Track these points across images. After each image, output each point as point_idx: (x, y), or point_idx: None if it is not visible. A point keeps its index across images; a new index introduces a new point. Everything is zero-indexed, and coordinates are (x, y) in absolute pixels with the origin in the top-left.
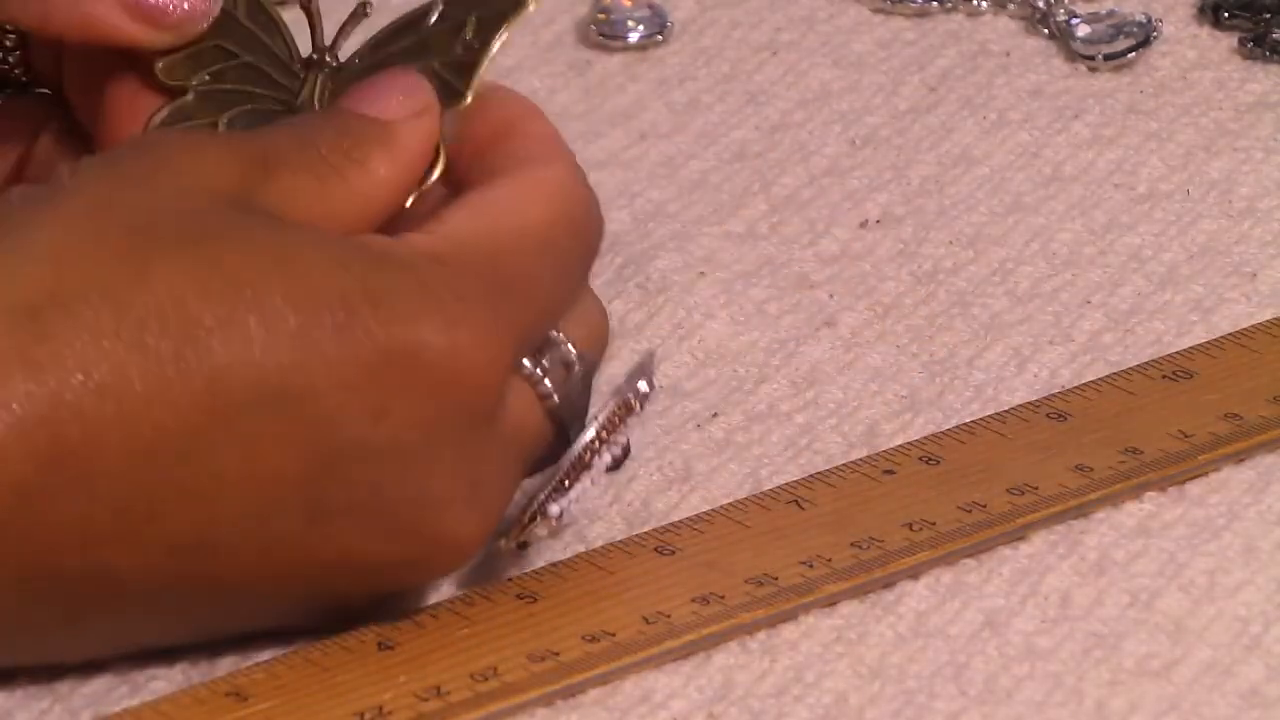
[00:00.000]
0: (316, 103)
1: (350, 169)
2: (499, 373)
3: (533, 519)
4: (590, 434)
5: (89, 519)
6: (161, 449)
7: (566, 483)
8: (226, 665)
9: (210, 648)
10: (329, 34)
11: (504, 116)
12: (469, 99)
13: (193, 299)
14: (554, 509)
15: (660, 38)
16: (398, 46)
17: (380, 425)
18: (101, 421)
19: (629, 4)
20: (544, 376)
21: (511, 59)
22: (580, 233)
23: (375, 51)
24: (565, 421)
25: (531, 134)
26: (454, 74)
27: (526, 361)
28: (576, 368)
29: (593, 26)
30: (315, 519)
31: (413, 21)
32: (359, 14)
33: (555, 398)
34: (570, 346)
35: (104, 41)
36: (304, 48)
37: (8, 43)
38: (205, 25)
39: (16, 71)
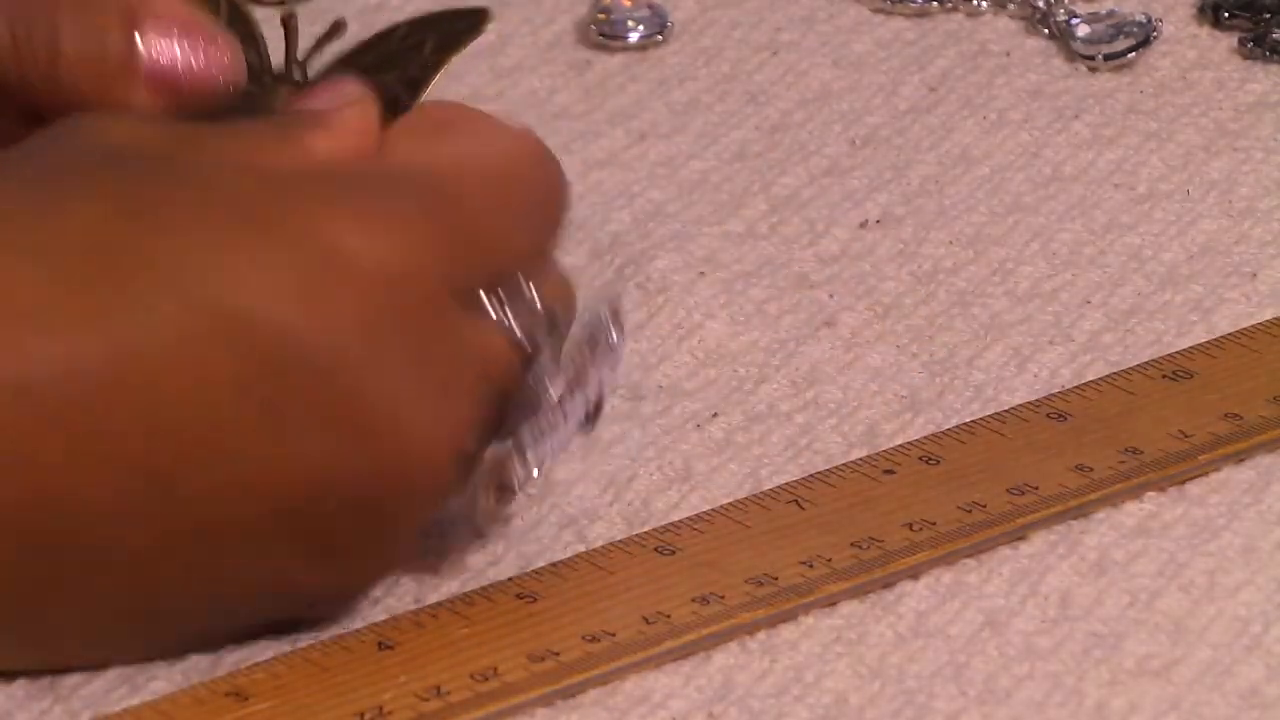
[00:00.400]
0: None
1: (282, 144)
2: (429, 273)
3: (509, 453)
4: (557, 358)
5: (51, 450)
6: (103, 370)
7: (536, 407)
8: (226, 665)
9: (210, 648)
10: (304, 48)
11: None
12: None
13: (113, 225)
14: (528, 440)
15: (660, 38)
16: (362, 62)
17: (309, 320)
18: (46, 353)
19: (629, 4)
20: (506, 312)
21: (511, 59)
22: (534, 183)
23: (341, 68)
24: (531, 359)
25: (484, 117)
26: (405, 88)
27: (487, 300)
28: (541, 311)
29: (593, 26)
30: (267, 425)
31: (378, 39)
32: (334, 32)
33: (519, 332)
34: (535, 295)
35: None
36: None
37: None
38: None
39: None
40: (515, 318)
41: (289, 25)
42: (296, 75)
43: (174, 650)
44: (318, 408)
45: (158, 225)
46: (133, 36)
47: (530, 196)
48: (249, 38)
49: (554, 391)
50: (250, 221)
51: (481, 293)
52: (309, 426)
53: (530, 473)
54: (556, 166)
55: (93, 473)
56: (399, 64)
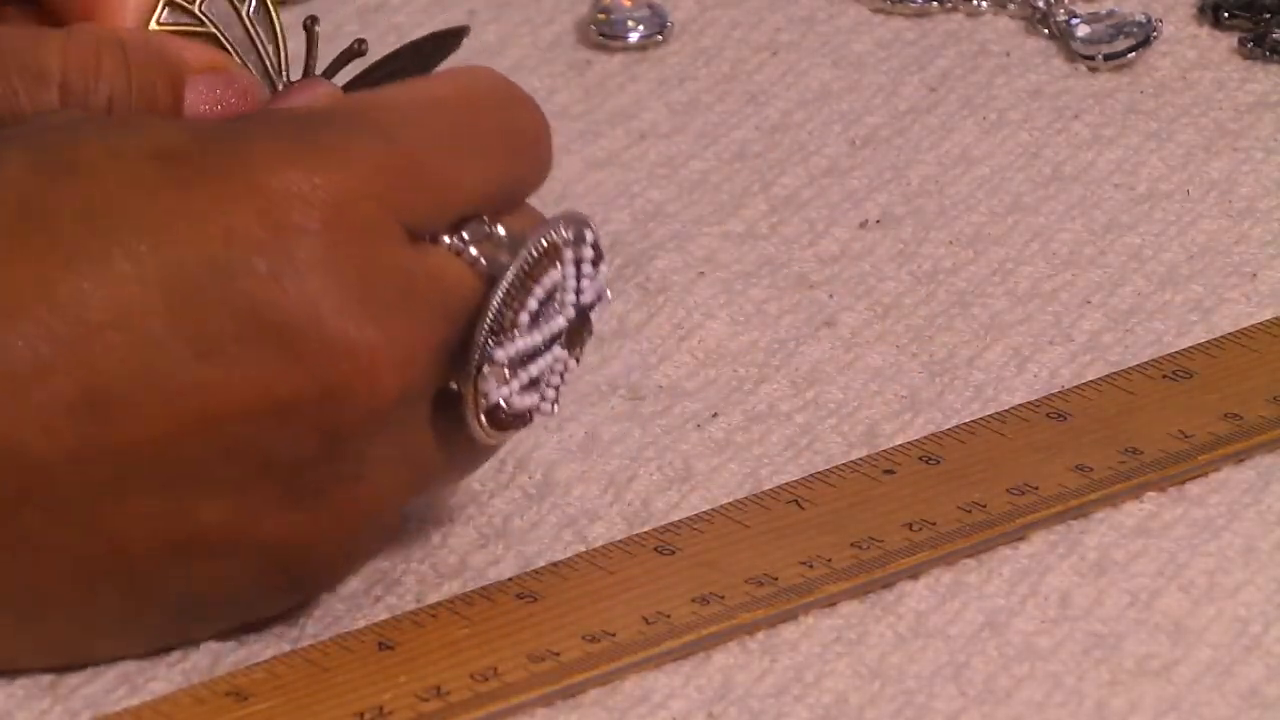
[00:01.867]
0: None
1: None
2: (363, 200)
3: (478, 368)
4: (513, 269)
5: None
6: (23, 308)
7: (501, 321)
8: (226, 665)
9: (211, 648)
10: (323, 61)
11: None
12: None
13: (28, 175)
14: (499, 354)
15: (660, 38)
16: (374, 80)
17: (231, 246)
18: None
19: (629, 4)
20: (466, 245)
21: (511, 59)
22: (493, 107)
23: (355, 87)
24: (495, 281)
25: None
26: None
27: (446, 236)
28: (504, 240)
29: (593, 26)
30: (200, 354)
31: (381, 63)
32: (354, 51)
33: (482, 260)
34: (500, 229)
35: None
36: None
37: None
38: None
39: None
40: (477, 247)
41: (311, 31)
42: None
43: (169, 630)
44: (249, 334)
45: (67, 169)
46: (181, 93)
47: (491, 123)
48: (270, 35)
49: (518, 299)
50: (167, 163)
51: (442, 231)
52: (244, 355)
53: (519, 393)
54: (528, 105)
55: (34, 418)
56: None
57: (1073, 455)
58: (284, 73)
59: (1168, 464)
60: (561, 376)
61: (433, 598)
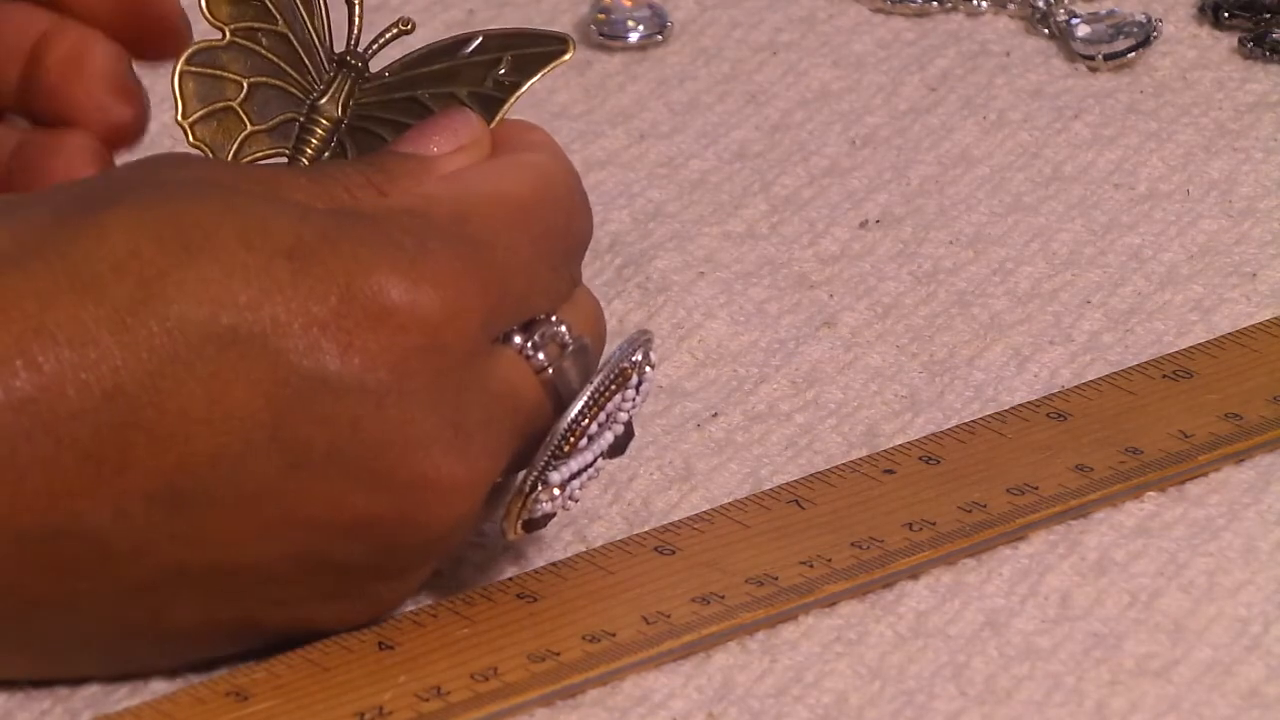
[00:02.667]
0: (339, 107)
1: (365, 192)
2: (466, 323)
3: (534, 488)
4: (585, 396)
5: (56, 466)
6: (120, 392)
7: (564, 447)
8: (227, 665)
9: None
10: (366, 39)
11: (513, 136)
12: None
13: (146, 245)
14: (554, 476)
15: (660, 38)
16: (428, 70)
17: (346, 362)
18: (60, 367)
19: (629, 4)
20: (536, 351)
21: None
22: (561, 211)
23: (405, 70)
24: (562, 395)
25: (522, 130)
26: (479, 106)
27: (517, 337)
28: (571, 346)
29: (593, 26)
30: (292, 465)
31: (449, 48)
32: (399, 28)
33: (549, 369)
34: (564, 328)
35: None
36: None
37: None
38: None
39: None
40: (545, 352)
41: (353, 5)
42: (360, 65)
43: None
44: (344, 454)
45: (190, 249)
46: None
47: (558, 227)
48: (314, 7)
49: (583, 426)
50: (291, 258)
51: (514, 332)
52: (333, 472)
53: (559, 505)
54: (584, 196)
55: (111, 502)
56: (470, 78)
57: (1073, 455)
58: (328, 40)
59: (1168, 464)
60: (592, 480)
61: (433, 598)
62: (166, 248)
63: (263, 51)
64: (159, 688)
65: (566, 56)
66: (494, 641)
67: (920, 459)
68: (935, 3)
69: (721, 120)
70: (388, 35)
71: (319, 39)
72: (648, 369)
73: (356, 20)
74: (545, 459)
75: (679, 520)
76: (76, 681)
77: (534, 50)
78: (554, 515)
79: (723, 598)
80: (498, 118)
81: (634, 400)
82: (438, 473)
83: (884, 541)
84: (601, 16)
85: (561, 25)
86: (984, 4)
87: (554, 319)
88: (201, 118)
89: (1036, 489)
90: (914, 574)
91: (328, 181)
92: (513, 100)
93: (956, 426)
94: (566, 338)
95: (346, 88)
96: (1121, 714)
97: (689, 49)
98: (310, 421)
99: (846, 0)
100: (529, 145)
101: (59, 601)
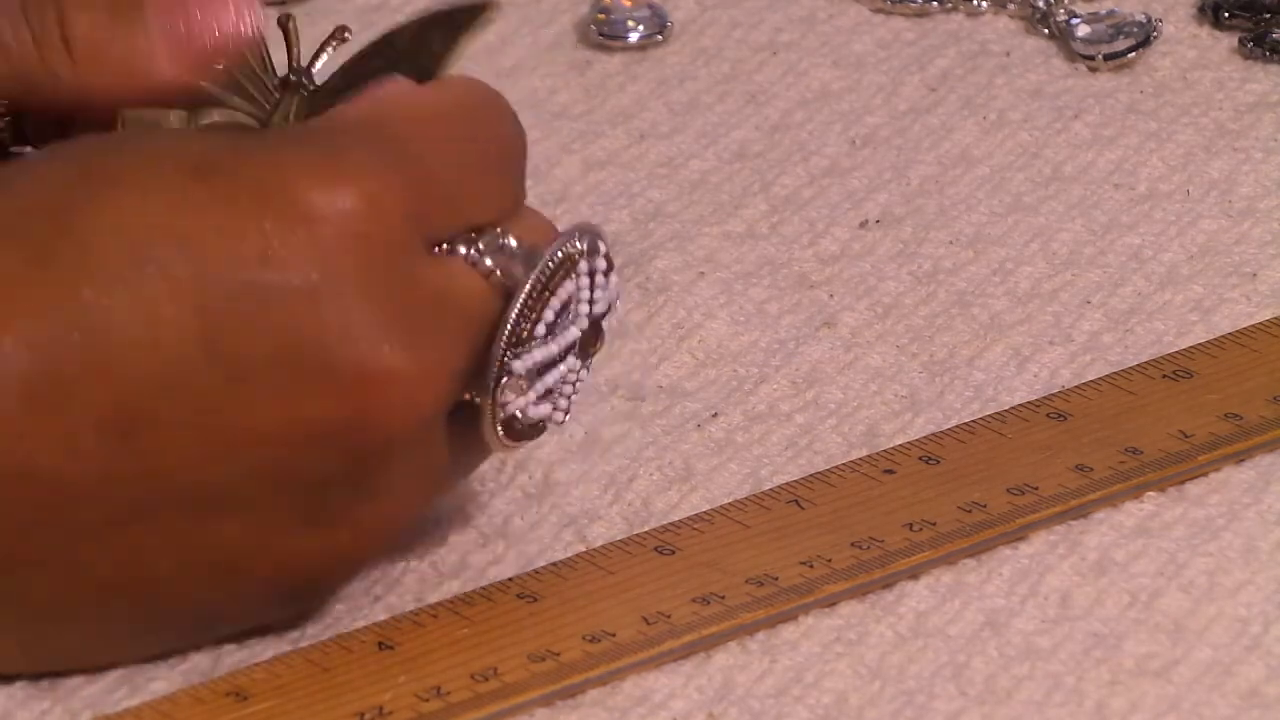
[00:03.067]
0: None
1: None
2: (388, 214)
3: (498, 379)
4: (529, 280)
5: (5, 418)
6: (53, 324)
7: (520, 333)
8: (226, 665)
9: (211, 648)
10: (305, 55)
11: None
12: None
13: (60, 189)
14: (517, 365)
15: (660, 38)
16: (369, 67)
17: (268, 265)
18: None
19: (629, 4)
20: (482, 256)
21: (511, 59)
22: (484, 117)
23: (346, 74)
24: (513, 294)
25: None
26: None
27: (461, 246)
28: (518, 251)
29: (593, 26)
30: (233, 377)
31: (383, 43)
32: (336, 38)
33: (497, 271)
34: (511, 238)
35: (153, 95)
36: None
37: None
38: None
39: (4, 139)
40: (491, 257)
41: (287, 29)
42: (305, 82)
43: (178, 639)
44: (284, 358)
45: (108, 182)
46: (144, 14)
47: (484, 133)
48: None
49: (535, 311)
50: (206, 178)
51: (458, 241)
52: (276, 378)
53: (542, 410)
54: (513, 117)
55: (61, 439)
56: (407, 64)
57: (1073, 455)
58: (270, 67)
59: (1168, 464)
60: (574, 386)
61: (433, 598)
62: (85, 181)
63: (208, 89)
64: (159, 688)
65: (492, 15)
66: (494, 641)
67: (920, 459)
68: (935, 3)
69: (721, 120)
70: (327, 48)
71: (261, 67)
72: (600, 260)
73: (294, 44)
74: (502, 349)
75: (679, 520)
76: (76, 681)
77: (460, 20)
78: (542, 424)
79: (723, 598)
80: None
81: (591, 292)
82: (382, 364)
83: (884, 541)
84: (601, 16)
85: (561, 25)
86: (984, 4)
87: (499, 230)
88: None
89: (1036, 489)
90: (914, 574)
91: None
92: (448, 67)
93: (956, 426)
94: (513, 245)
95: (295, 104)
96: (1121, 714)
97: (689, 49)
98: (243, 330)
99: (846, 0)
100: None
101: (29, 559)
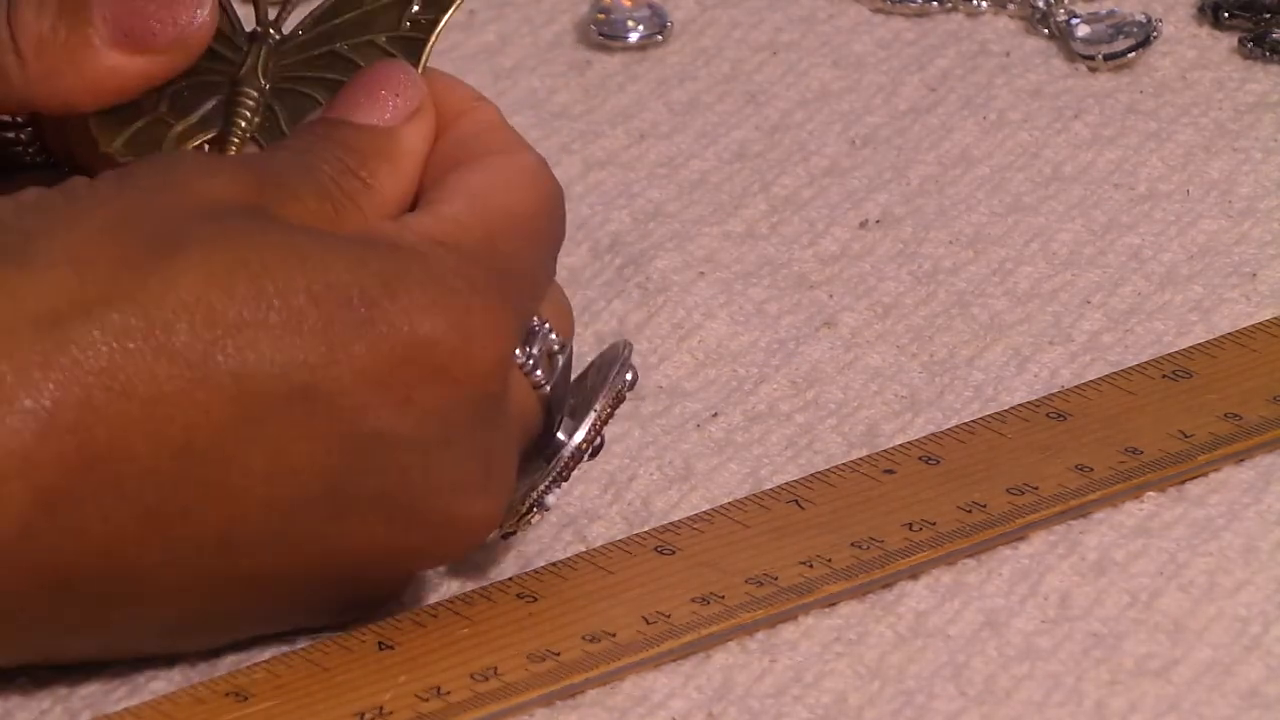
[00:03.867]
0: (260, 76)
1: (359, 192)
2: (507, 358)
3: (530, 510)
4: (587, 427)
5: (117, 523)
6: (190, 450)
7: (565, 474)
8: (226, 665)
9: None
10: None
11: (452, 102)
12: (419, 75)
13: (217, 299)
14: (550, 499)
15: (660, 38)
16: (341, 20)
17: (404, 416)
18: (129, 425)
19: (629, 4)
20: (535, 366)
21: (511, 59)
22: (557, 216)
23: (317, 25)
24: (553, 408)
25: (486, 121)
26: (401, 50)
27: (518, 351)
28: (559, 351)
29: (593, 26)
30: (339, 512)
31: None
32: None
33: (547, 386)
34: (553, 334)
35: (107, 90)
36: (248, 23)
37: (19, 119)
38: (200, 45)
39: (30, 152)
40: (541, 366)
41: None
42: (273, 34)
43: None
44: (388, 500)
45: (259, 301)
46: (90, 9)
47: (556, 233)
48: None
49: (583, 443)
50: (352, 309)
51: (517, 350)
52: (374, 516)
53: (544, 509)
54: (559, 189)
55: (158, 546)
56: (384, 23)
57: (1073, 455)
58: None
59: (1168, 464)
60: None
61: (433, 598)
62: (236, 300)
63: None
64: (158, 687)
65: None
66: (494, 641)
67: (920, 459)
68: (935, 3)
69: (721, 120)
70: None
71: (227, 26)
72: (629, 376)
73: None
74: (546, 484)
75: (679, 520)
76: (76, 681)
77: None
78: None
79: (722, 598)
80: (423, 60)
81: (613, 405)
82: (469, 512)
83: (884, 541)
84: (601, 16)
85: (561, 25)
86: (984, 4)
87: (546, 325)
88: (127, 140)
89: (1036, 489)
90: (914, 574)
91: (318, 187)
92: (434, 38)
93: (956, 426)
94: (555, 344)
95: (263, 55)
96: (1121, 714)
97: (689, 49)
98: (361, 473)
99: (846, 0)
100: (506, 141)
101: (87, 625)
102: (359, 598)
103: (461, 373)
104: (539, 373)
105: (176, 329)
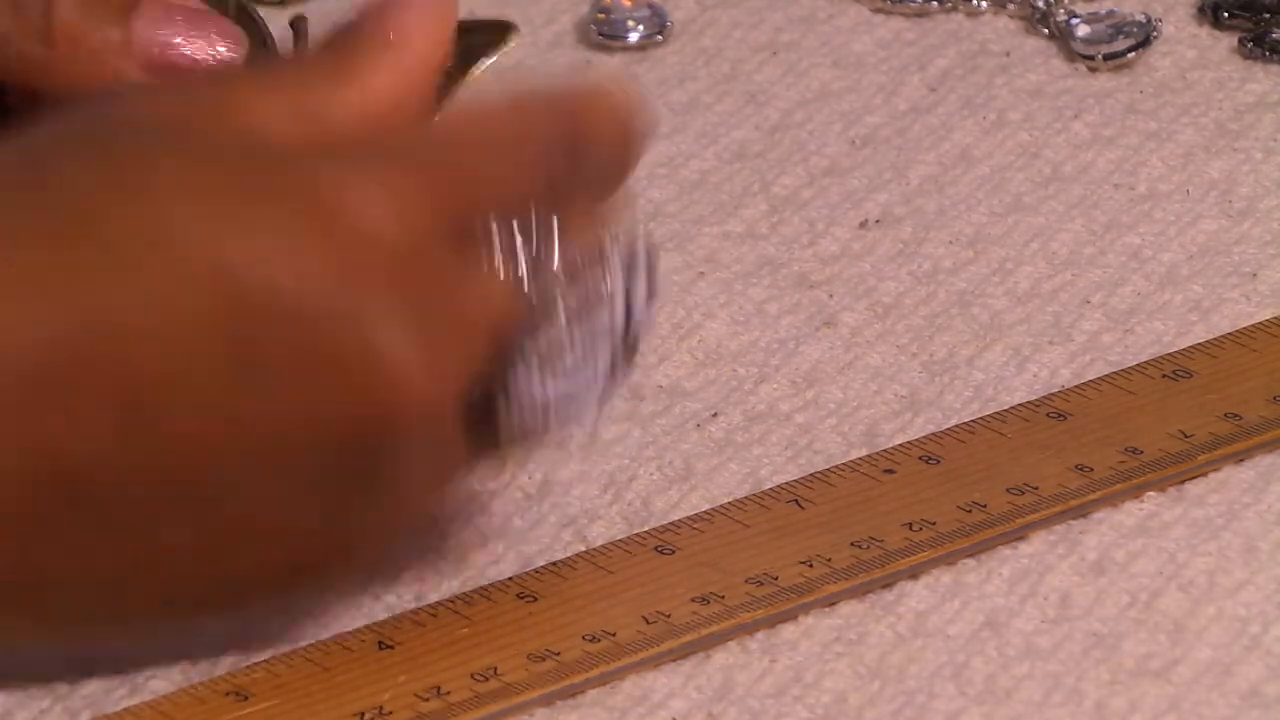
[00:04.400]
0: None
1: (340, 81)
2: (424, 234)
3: (513, 365)
4: (563, 309)
5: (32, 405)
6: (62, 306)
7: (536, 333)
8: (226, 665)
9: (211, 648)
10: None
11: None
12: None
13: (91, 189)
14: (534, 361)
15: (660, 38)
16: None
17: (292, 277)
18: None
19: (629, 4)
20: (499, 250)
21: (511, 59)
22: (539, 114)
23: None
24: (534, 284)
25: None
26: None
27: (483, 238)
28: (556, 259)
29: (593, 26)
30: (249, 375)
31: None
32: (296, 30)
33: (520, 267)
34: (545, 229)
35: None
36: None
37: None
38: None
39: None
40: (514, 252)
41: (298, 29)
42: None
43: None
44: (298, 357)
45: (142, 192)
46: (128, 23)
47: (533, 127)
48: (258, 40)
49: (559, 308)
50: (240, 187)
51: (482, 228)
52: (289, 374)
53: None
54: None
55: (82, 424)
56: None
57: (1073, 455)
58: None
59: (1168, 464)
60: (598, 396)
61: (433, 598)
62: (112, 188)
63: None
64: (159, 687)
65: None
66: (494, 641)
67: (920, 459)
68: (935, 3)
69: (721, 120)
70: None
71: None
72: (640, 286)
73: (302, 44)
74: (522, 342)
75: (679, 520)
76: (76, 681)
77: (477, 40)
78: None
79: (722, 598)
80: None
81: (628, 309)
82: (401, 372)
83: (884, 541)
84: (601, 16)
85: (561, 25)
86: (984, 4)
87: (542, 219)
88: None
89: (1036, 489)
90: (914, 574)
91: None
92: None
93: (956, 426)
94: (554, 242)
95: None
96: (1121, 714)
97: (689, 49)
98: (257, 330)
99: (846, 0)
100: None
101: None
102: (341, 508)
103: (361, 234)
104: (514, 257)
105: (56, 224)
